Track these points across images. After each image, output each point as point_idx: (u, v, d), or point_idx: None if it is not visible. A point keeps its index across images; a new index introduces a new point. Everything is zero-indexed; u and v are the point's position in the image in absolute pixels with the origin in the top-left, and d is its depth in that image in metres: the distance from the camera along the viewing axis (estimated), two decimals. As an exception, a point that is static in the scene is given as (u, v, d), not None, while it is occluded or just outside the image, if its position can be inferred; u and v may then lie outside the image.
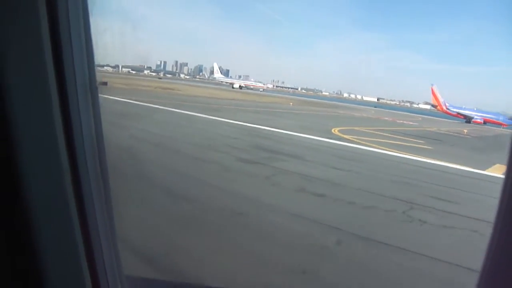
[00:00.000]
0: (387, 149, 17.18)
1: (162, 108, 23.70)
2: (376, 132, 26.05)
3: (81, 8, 1.32)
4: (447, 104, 77.79)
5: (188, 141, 12.87)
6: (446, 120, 69.89)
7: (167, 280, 4.14)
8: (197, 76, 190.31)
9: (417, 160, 14.99)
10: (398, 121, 47.53)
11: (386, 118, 49.25)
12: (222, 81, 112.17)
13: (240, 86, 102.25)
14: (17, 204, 1.12)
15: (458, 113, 74.96)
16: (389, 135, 25.75)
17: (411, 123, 46.20)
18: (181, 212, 6.39)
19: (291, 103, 56.69)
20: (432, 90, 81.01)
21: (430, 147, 21.42)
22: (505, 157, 1.36)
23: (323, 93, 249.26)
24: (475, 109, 76.29)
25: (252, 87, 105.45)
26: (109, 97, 23.93)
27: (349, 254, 5.60)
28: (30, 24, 1.13)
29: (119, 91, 32.33)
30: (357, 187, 9.39)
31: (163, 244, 5.08)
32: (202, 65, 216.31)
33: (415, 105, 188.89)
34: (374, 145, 18.14)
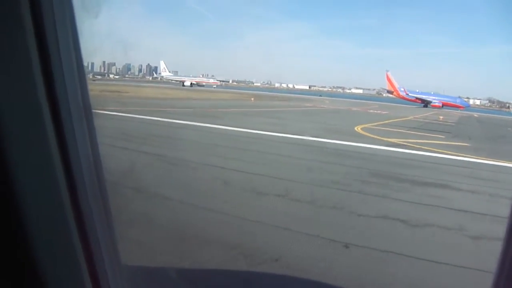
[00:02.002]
0: (448, 152, 14.94)
1: (149, 119, 18.86)
2: (389, 129, 24.00)
3: (69, 27, 1.26)
4: (406, 90, 78.98)
5: (293, 178, 8.81)
6: (403, 105, 71.09)
7: (166, 267, 3.84)
8: (126, 76, 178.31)
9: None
10: (369, 111, 46.40)
11: (356, 109, 47.83)
12: (171, 79, 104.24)
13: (191, 83, 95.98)
14: (10, 202, 1.08)
15: (417, 98, 76.58)
16: (404, 131, 24.09)
17: (381, 112, 45.21)
18: None
19: (252, 99, 53.10)
20: (387, 76, 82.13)
21: (465, 144, 19.71)
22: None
23: (255, 84, 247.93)
24: (432, 93, 78.61)
25: (204, 83, 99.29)
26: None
27: None
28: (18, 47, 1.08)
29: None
30: None
31: None
32: (130, 64, 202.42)
33: (347, 90, 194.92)
34: (430, 148, 15.86)
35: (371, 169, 10.42)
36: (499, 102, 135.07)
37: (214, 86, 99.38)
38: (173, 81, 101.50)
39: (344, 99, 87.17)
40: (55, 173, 1.17)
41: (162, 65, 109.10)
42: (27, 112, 1.11)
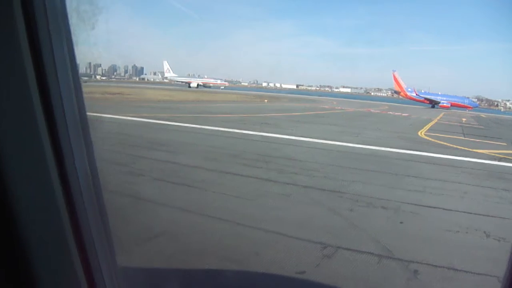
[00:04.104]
0: None
1: (211, 130, 17.02)
2: (449, 136, 22.76)
3: (64, 33, 1.24)
4: (415, 90, 78.28)
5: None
6: (412, 106, 70.42)
7: (161, 268, 3.85)
8: (112, 77, 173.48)
9: None
10: (389, 112, 45.34)
11: (374, 111, 46.63)
12: (176, 81, 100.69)
13: (197, 84, 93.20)
14: (7, 207, 1.07)
15: (426, 98, 76.13)
16: (462, 138, 23.04)
17: (402, 114, 44.20)
18: None
19: (266, 101, 51.30)
20: (394, 76, 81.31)
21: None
22: None
23: (242, 83, 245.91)
24: (439, 93, 78.19)
25: (211, 85, 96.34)
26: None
27: None
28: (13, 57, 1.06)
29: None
30: None
31: None
32: (115, 65, 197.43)
33: (335, 89, 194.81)
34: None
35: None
36: (487, 100, 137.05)
37: (222, 87, 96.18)
38: (179, 82, 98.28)
39: (343, 99, 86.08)
40: (50, 177, 1.15)
41: (166, 66, 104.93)
42: (22, 120, 1.09)
